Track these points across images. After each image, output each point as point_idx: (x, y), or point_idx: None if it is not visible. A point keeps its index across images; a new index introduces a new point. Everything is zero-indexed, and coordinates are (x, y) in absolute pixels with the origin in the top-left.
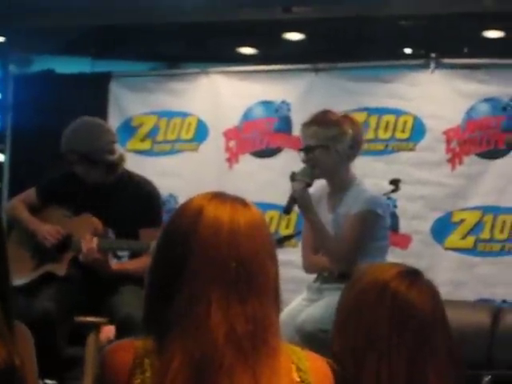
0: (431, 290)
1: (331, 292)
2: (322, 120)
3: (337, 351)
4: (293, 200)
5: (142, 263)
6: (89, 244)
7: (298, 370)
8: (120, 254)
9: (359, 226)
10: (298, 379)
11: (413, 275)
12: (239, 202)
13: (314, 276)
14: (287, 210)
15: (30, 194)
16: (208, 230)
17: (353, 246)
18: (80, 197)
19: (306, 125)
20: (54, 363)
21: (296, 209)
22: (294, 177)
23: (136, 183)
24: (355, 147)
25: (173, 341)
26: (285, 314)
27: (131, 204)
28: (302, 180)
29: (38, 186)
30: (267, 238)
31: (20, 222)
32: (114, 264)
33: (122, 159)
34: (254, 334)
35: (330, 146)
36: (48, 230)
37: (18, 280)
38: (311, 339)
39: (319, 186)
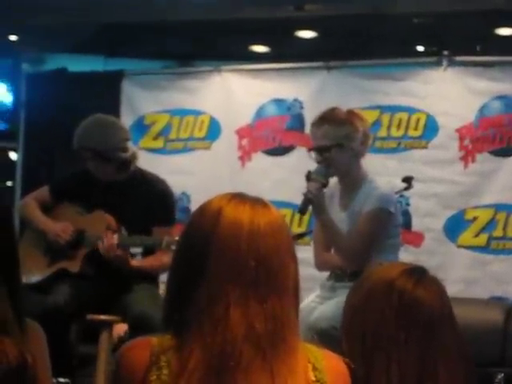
0: (437, 288)
1: (344, 290)
2: (332, 118)
3: (346, 351)
4: (308, 200)
5: (158, 261)
6: (110, 240)
7: (314, 369)
8: (133, 251)
9: (372, 224)
10: (314, 378)
11: (418, 273)
12: (259, 202)
13: (326, 274)
14: (303, 211)
15: (43, 191)
16: (228, 230)
17: (365, 245)
18: (93, 194)
19: (316, 124)
20: (67, 361)
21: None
22: (309, 176)
23: (149, 181)
24: (365, 143)
25: (191, 338)
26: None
27: (144, 202)
28: (317, 180)
29: (51, 184)
30: (287, 237)
31: (31, 221)
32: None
33: (134, 157)
34: (273, 332)
35: (345, 144)
36: (59, 228)
37: (32, 278)
38: (325, 336)
39: (331, 184)
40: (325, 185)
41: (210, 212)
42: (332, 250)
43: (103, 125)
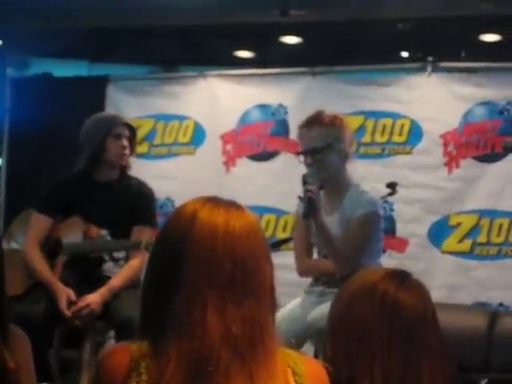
0: (420, 290)
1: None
2: (322, 120)
3: (330, 355)
4: (310, 201)
5: (132, 269)
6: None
7: (294, 374)
8: (116, 255)
9: (364, 229)
10: (294, 383)
11: (401, 276)
12: (233, 205)
13: (308, 280)
14: (307, 214)
15: (37, 222)
16: (203, 233)
17: (359, 249)
18: (81, 195)
19: (306, 127)
20: (50, 367)
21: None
22: (305, 179)
23: (133, 183)
24: (351, 146)
25: (169, 343)
26: (280, 316)
27: (128, 203)
28: (313, 183)
29: (40, 207)
30: (262, 240)
31: (39, 279)
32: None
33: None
34: (250, 335)
35: (335, 145)
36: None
37: (12, 289)
38: (324, 335)
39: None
40: (321, 187)
41: (185, 215)
42: (315, 255)
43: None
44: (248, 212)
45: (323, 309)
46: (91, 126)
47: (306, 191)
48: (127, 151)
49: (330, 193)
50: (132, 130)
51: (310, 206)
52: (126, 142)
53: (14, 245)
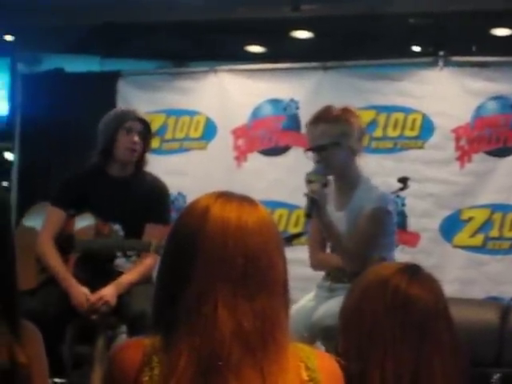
0: (432, 284)
1: (344, 291)
2: (328, 117)
3: (342, 350)
4: (313, 202)
5: (144, 266)
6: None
7: (307, 368)
8: (128, 252)
9: (372, 225)
10: (307, 378)
11: (413, 271)
12: (246, 200)
13: (322, 274)
14: (309, 213)
15: (53, 215)
16: (215, 228)
17: (367, 245)
18: (96, 191)
19: (312, 124)
20: (63, 362)
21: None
22: (309, 178)
23: (148, 180)
24: (361, 140)
25: (180, 338)
26: (294, 311)
27: (143, 200)
28: (318, 181)
29: (56, 200)
30: (275, 235)
31: (53, 273)
32: (112, 287)
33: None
34: (262, 330)
35: (342, 142)
36: (78, 300)
37: (25, 283)
38: (329, 333)
39: None
40: (325, 184)
41: (198, 211)
42: (328, 250)
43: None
44: (261, 207)
45: (328, 307)
46: (106, 120)
47: (310, 191)
48: (137, 147)
49: (339, 188)
50: (146, 126)
51: (312, 207)
52: (136, 138)
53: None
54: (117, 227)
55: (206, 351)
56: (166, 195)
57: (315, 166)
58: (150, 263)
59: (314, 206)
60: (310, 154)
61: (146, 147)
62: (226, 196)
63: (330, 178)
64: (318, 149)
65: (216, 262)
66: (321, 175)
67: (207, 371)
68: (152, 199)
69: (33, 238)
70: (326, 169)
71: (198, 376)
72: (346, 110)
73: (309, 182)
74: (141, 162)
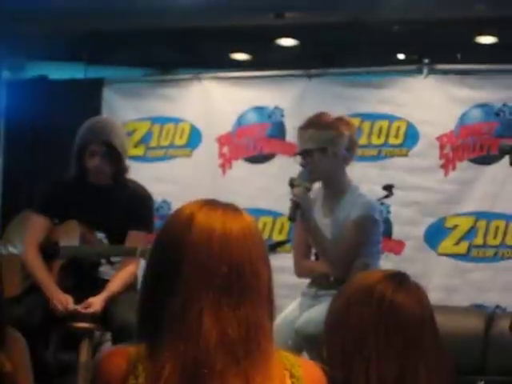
0: (418, 292)
1: (328, 298)
2: (318, 122)
3: (327, 357)
4: (296, 205)
5: (127, 273)
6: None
7: (292, 376)
8: (113, 259)
9: (358, 232)
10: None
11: (399, 278)
12: (230, 208)
13: (307, 281)
14: (293, 217)
15: (36, 223)
16: (199, 236)
17: (352, 252)
18: (78, 199)
19: (303, 128)
20: (47, 370)
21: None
22: (293, 182)
23: (131, 187)
24: (351, 149)
25: (165, 346)
26: (280, 319)
27: (126, 207)
28: (301, 185)
29: (39, 207)
30: (259, 243)
31: (35, 280)
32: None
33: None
34: (246, 338)
35: (328, 148)
36: (59, 300)
37: (9, 291)
38: (312, 341)
39: (314, 189)
40: (309, 189)
41: (182, 218)
42: (312, 257)
43: (114, 123)
44: (245, 215)
45: (311, 314)
46: (78, 135)
47: (293, 195)
48: (102, 169)
49: (327, 195)
50: (111, 148)
51: (295, 210)
52: (97, 161)
53: (11, 249)
54: (100, 235)
55: (191, 359)
56: (149, 202)
57: (301, 171)
58: (132, 270)
59: (298, 210)
60: (298, 157)
61: (115, 166)
62: (210, 204)
63: (319, 184)
64: (303, 153)
65: (200, 270)
66: (305, 180)
67: (192, 379)
68: (134, 206)
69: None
70: (311, 173)
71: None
72: (338, 119)
73: (292, 185)
74: (117, 173)
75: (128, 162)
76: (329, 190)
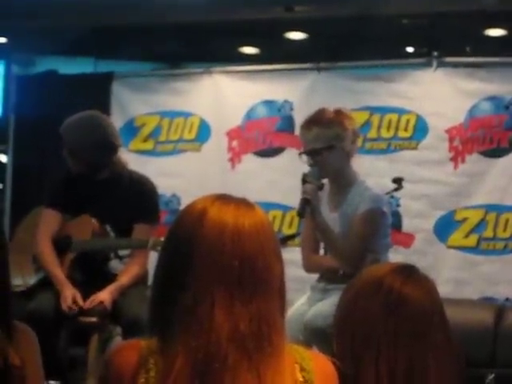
0: (427, 284)
1: (337, 292)
2: (321, 120)
3: (336, 350)
4: (306, 202)
5: (138, 265)
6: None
7: (302, 369)
8: (121, 253)
9: (367, 226)
10: (302, 379)
11: (407, 271)
12: (243, 203)
13: (316, 276)
14: (302, 213)
15: (48, 216)
16: (212, 231)
17: (362, 246)
18: (80, 193)
19: (305, 127)
20: (58, 364)
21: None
22: (305, 179)
23: (135, 180)
24: (355, 142)
25: (176, 340)
26: (290, 313)
27: (130, 200)
28: (313, 182)
29: (51, 201)
30: (272, 237)
31: (48, 274)
32: (108, 292)
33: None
34: (258, 332)
35: (336, 145)
36: (66, 298)
37: (20, 283)
38: (320, 335)
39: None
40: (320, 188)
41: (195, 213)
42: (320, 252)
43: (99, 117)
44: (258, 209)
45: (319, 308)
46: (66, 134)
47: (303, 191)
48: (99, 164)
49: (334, 190)
50: (103, 142)
51: (304, 207)
52: (92, 158)
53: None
54: (107, 228)
55: (202, 353)
56: (153, 194)
57: (311, 169)
58: (141, 263)
59: (307, 206)
60: (304, 156)
61: (108, 158)
62: (223, 199)
63: (325, 180)
64: (312, 153)
65: (213, 265)
66: (316, 178)
67: (203, 373)
68: (139, 199)
69: (29, 238)
70: (321, 172)
71: (193, 378)
72: (339, 113)
73: (304, 182)
74: (113, 164)
75: (131, 155)
76: (336, 184)
